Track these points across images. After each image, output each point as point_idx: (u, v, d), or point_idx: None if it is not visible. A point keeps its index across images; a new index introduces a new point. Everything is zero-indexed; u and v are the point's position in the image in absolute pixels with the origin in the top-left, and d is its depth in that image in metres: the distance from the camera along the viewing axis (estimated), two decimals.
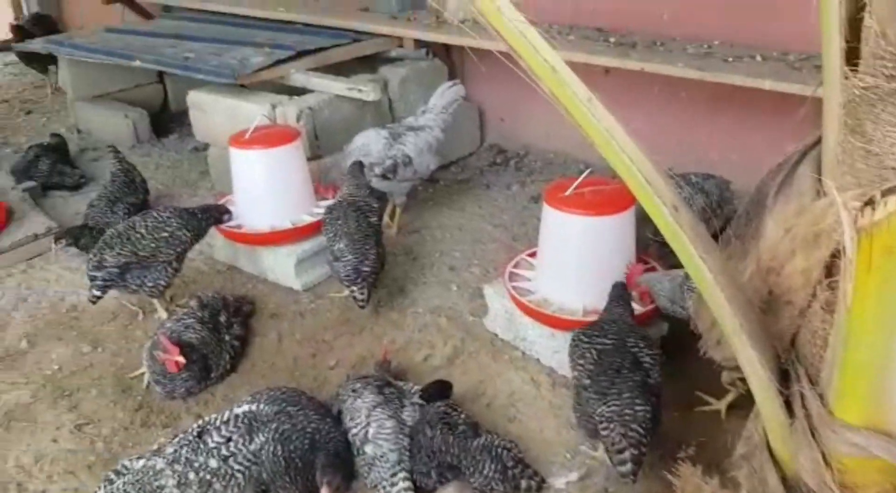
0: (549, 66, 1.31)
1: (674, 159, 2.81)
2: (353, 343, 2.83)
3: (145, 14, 5.64)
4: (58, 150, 4.36)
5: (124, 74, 4.97)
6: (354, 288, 2.80)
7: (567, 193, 2.56)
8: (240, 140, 3.24)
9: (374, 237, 2.91)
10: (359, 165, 3.22)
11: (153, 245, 2.85)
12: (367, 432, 2.14)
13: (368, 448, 2.12)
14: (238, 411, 2.12)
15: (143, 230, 2.87)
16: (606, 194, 2.55)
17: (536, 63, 1.32)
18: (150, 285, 2.88)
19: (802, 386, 1.40)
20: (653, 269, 2.67)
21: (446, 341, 2.80)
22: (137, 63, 4.26)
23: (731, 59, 3.31)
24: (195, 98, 4.06)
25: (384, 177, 3.39)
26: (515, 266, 2.83)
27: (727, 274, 1.44)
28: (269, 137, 3.27)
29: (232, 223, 3.23)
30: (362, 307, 2.83)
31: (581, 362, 2.14)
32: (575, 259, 2.56)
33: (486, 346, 2.76)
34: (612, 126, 1.36)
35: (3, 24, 6.53)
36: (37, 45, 4.97)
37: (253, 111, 3.65)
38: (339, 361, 2.73)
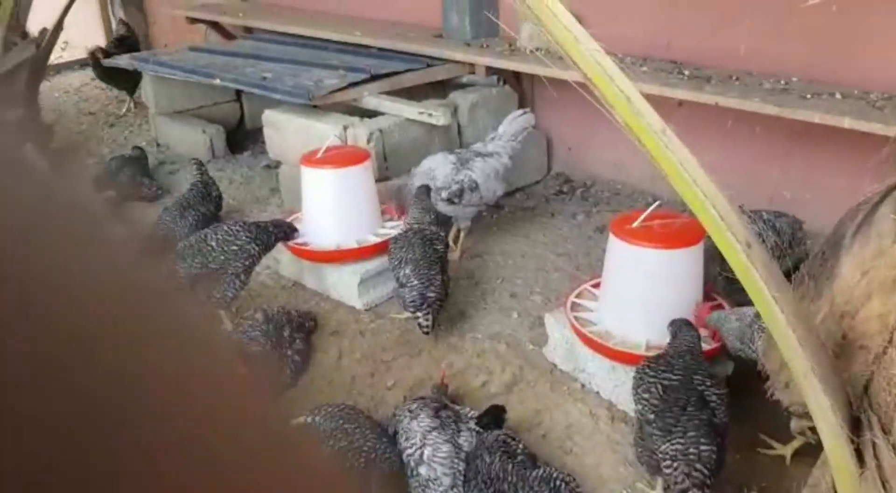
0: (624, 96, 1.31)
1: (745, 195, 2.75)
2: (411, 365, 2.84)
3: (227, 35, 5.83)
4: (138, 162, 4.53)
5: (204, 92, 5.14)
6: (419, 314, 2.81)
7: (635, 224, 2.54)
8: (311, 159, 3.31)
9: (440, 264, 2.92)
10: (425, 190, 3.25)
11: (223, 257, 2.93)
12: (422, 453, 2.14)
13: (422, 470, 2.12)
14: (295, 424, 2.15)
15: (213, 243, 2.95)
16: (675, 228, 2.52)
17: (612, 93, 1.32)
18: (218, 296, 2.95)
19: (875, 435, 1.35)
20: (720, 306, 2.61)
21: (504, 369, 2.78)
22: (218, 81, 4.40)
23: (809, 96, 3.24)
24: (270, 117, 4.17)
25: (450, 201, 3.42)
26: (578, 296, 2.81)
27: (799, 315, 1.40)
28: (340, 157, 3.33)
29: (299, 240, 3.30)
30: (426, 334, 2.84)
31: (646, 396, 2.10)
32: (640, 292, 2.53)
33: (544, 375, 2.74)
34: (685, 159, 1.35)
35: (89, 38, 6.82)
36: (123, 61, 5.18)
37: (325, 131, 3.73)
38: (396, 382, 2.74)
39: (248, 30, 5.73)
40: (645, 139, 1.34)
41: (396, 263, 2.91)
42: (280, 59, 4.64)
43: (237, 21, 5.56)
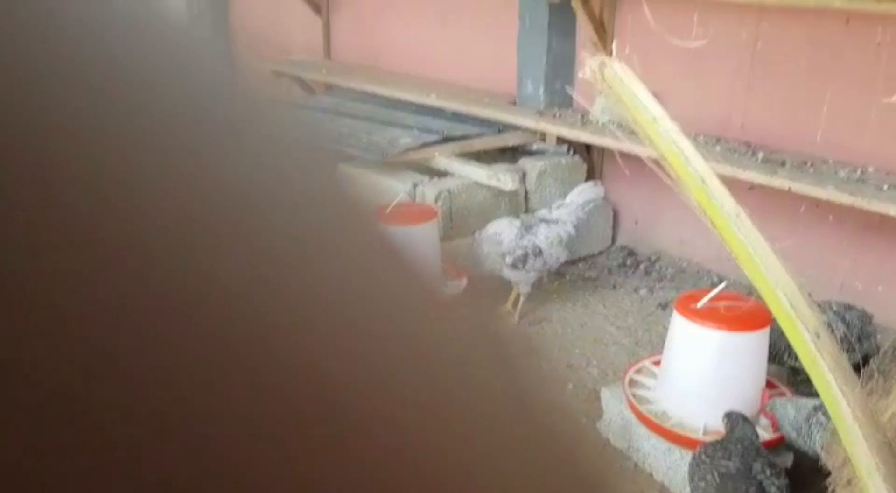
0: (699, 176, 1.33)
1: (815, 284, 2.71)
2: None
3: (309, 90, 6.05)
4: None
5: None
6: None
7: (700, 304, 2.51)
8: (380, 215, 3.37)
9: None
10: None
11: None
12: None
13: None
14: None
15: None
16: (742, 311, 2.48)
17: (686, 173, 1.33)
18: None
19: None
20: (782, 394, 2.55)
21: None
22: None
23: (885, 188, 3.18)
24: (344, 171, 4.28)
25: (514, 266, 3.44)
26: (637, 372, 2.77)
27: (867, 410, 1.36)
28: (408, 214, 3.39)
29: None
30: None
31: (702, 484, 2.05)
32: (702, 374, 2.48)
33: (596, 451, 2.68)
34: (758, 243, 1.35)
35: None
36: None
37: (395, 188, 3.81)
38: None
39: (329, 86, 5.94)
40: (717, 221, 1.34)
41: None
42: (357, 116, 4.78)
43: (319, 78, 5.76)
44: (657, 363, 2.76)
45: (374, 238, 0.22)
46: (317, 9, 6.20)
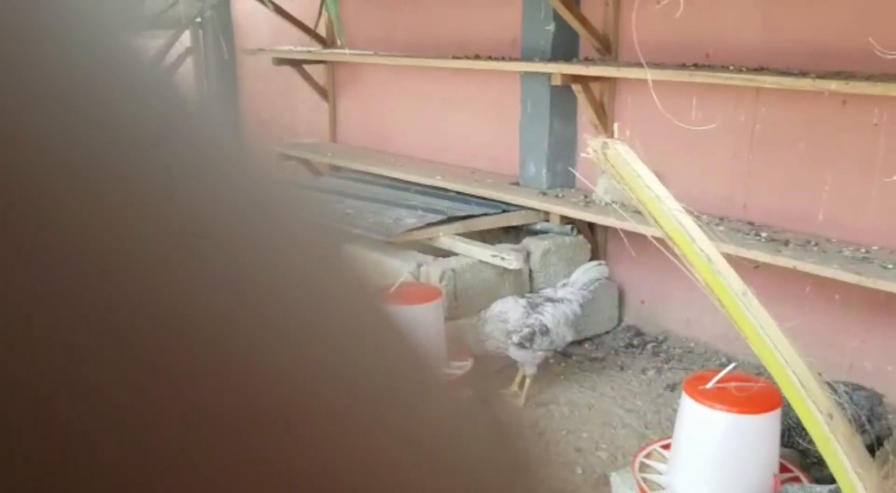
0: (704, 256, 1.32)
1: (823, 364, 2.67)
2: None
3: (316, 172, 6.14)
4: None
5: None
6: None
7: (709, 385, 2.47)
8: (384, 295, 3.37)
9: None
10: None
11: None
12: None
13: None
14: None
15: None
16: (752, 392, 2.44)
17: (692, 252, 1.33)
18: None
19: None
20: (796, 479, 2.48)
21: None
22: None
23: (890, 267, 3.18)
24: (349, 251, 4.30)
25: (521, 345, 3.41)
26: (647, 456, 2.71)
27: None
28: (413, 294, 3.38)
29: None
30: None
31: None
32: (713, 457, 2.43)
33: None
34: (766, 322, 1.34)
35: None
36: None
37: (398, 268, 3.81)
38: None
39: (335, 168, 6.03)
40: (725, 300, 1.33)
41: None
42: (363, 197, 4.84)
43: (325, 160, 5.86)
44: (667, 447, 2.70)
45: (378, 317, 0.23)
46: (324, 94, 6.35)
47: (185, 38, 6.80)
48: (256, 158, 0.22)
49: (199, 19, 6.55)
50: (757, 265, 3.51)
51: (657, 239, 1.42)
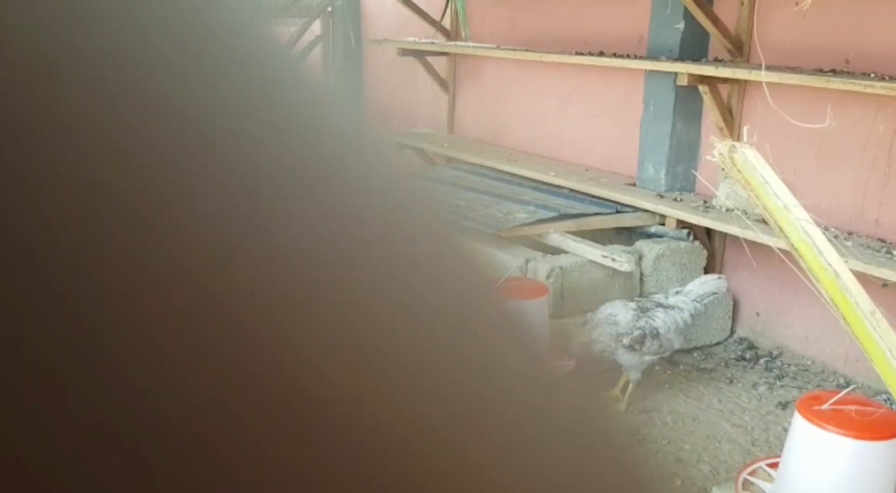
0: (832, 270, 1.26)
1: None
2: None
3: (431, 162, 6.21)
4: None
5: None
6: None
7: (825, 406, 2.35)
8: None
9: None
10: None
11: None
12: None
13: None
14: None
15: None
16: (873, 417, 2.30)
17: (818, 266, 1.27)
18: None
19: None
20: None
21: None
22: None
23: None
24: (466, 242, 4.33)
25: (630, 348, 3.34)
26: (751, 474, 2.61)
27: None
28: (519, 289, 3.37)
29: None
30: None
31: None
32: (825, 483, 2.31)
33: None
34: (894, 344, 1.26)
35: None
36: None
37: (507, 262, 3.81)
38: None
39: (450, 159, 6.08)
40: (850, 318, 1.26)
41: None
42: (475, 189, 4.85)
43: (441, 150, 5.91)
44: (774, 466, 2.58)
45: (498, 309, 0.22)
46: (444, 86, 6.41)
47: (316, 27, 7.00)
48: (377, 146, 0.23)
49: (329, 8, 6.73)
50: (885, 284, 3.31)
51: (780, 250, 1.35)
